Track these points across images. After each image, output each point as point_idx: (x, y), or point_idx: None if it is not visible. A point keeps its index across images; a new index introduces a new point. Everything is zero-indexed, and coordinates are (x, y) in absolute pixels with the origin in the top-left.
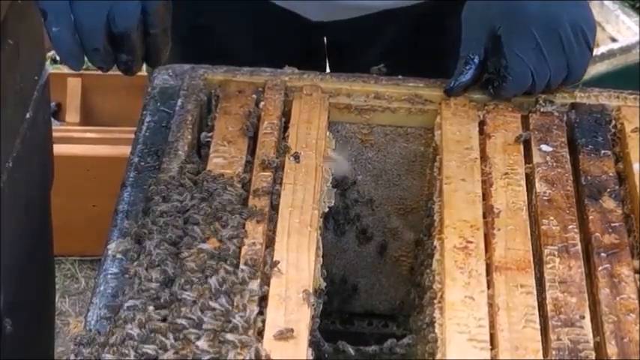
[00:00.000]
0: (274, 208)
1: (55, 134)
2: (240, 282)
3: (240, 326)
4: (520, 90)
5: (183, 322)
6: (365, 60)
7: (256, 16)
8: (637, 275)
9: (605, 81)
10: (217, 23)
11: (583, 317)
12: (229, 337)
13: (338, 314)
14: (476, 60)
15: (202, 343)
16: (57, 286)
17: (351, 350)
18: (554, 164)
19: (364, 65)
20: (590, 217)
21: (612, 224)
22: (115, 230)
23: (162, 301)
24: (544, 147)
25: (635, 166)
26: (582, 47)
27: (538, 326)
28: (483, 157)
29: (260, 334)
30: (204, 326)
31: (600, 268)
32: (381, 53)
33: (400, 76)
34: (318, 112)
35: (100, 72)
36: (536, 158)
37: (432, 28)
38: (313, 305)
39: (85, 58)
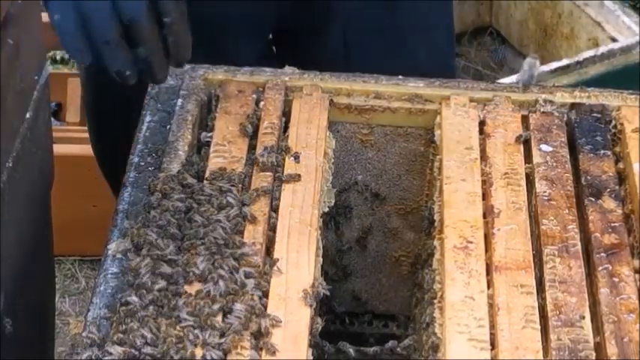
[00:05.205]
0: (274, 208)
1: (55, 134)
2: (240, 282)
3: (240, 326)
4: None
5: (184, 320)
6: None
7: None
8: (637, 275)
9: (605, 81)
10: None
11: (583, 317)
12: (229, 336)
13: (338, 315)
14: None
15: (203, 341)
16: (57, 286)
17: (351, 351)
18: (554, 164)
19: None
20: (590, 217)
21: (612, 224)
22: (115, 230)
23: (162, 300)
24: (544, 147)
25: (635, 166)
26: None
27: (538, 326)
28: (483, 157)
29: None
30: (204, 326)
31: (600, 268)
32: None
33: (400, 76)
34: (318, 112)
35: None
36: (536, 158)
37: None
38: (312, 306)
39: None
